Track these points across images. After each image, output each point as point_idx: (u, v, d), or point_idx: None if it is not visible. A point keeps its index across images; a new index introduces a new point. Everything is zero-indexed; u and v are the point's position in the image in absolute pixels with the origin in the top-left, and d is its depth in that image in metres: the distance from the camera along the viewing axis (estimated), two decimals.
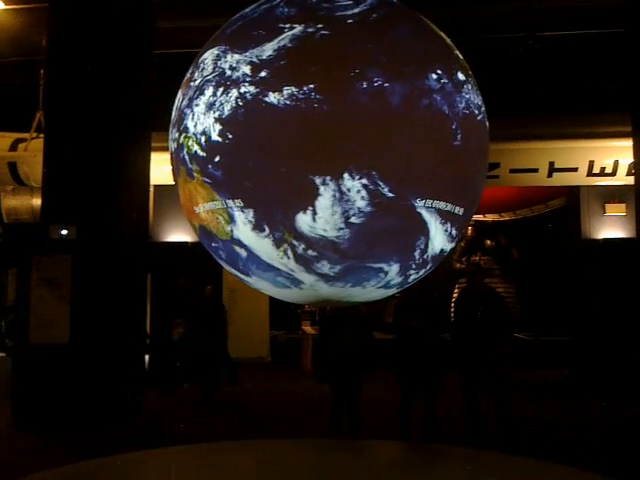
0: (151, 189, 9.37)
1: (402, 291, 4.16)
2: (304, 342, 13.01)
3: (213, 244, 3.70)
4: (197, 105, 3.46)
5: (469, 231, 13.13)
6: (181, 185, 3.69)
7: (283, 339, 13.92)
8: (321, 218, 3.22)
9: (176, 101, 3.85)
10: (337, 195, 3.17)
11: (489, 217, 14.18)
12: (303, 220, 3.24)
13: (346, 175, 3.15)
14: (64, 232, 7.60)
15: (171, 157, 3.92)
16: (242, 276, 3.78)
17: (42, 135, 8.75)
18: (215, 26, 4.13)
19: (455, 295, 13.68)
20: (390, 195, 3.23)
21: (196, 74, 3.61)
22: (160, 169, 8.88)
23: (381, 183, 3.20)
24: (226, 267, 3.90)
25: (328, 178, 3.15)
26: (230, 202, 3.34)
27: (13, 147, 10.18)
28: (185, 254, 10.97)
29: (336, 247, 3.33)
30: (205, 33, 4.32)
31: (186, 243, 11.20)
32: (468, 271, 7.99)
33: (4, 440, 7.28)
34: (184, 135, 3.53)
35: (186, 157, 3.51)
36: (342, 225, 3.25)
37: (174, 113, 3.84)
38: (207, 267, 9.26)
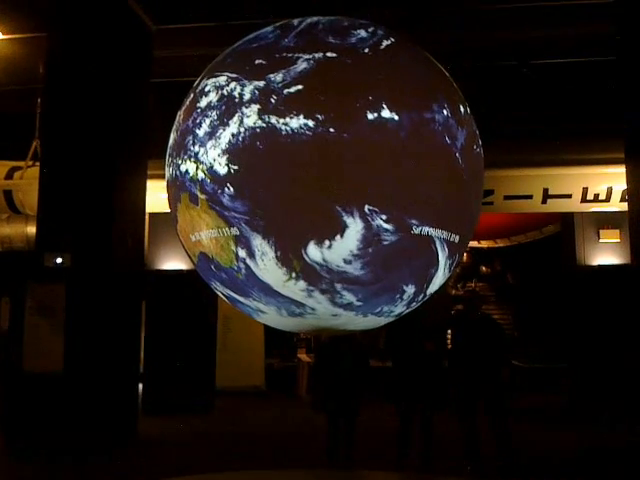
0: (146, 217, 9.36)
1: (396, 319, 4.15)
2: (300, 370, 12.93)
3: (214, 272, 3.66)
4: (202, 131, 3.44)
5: (464, 257, 13.16)
6: (182, 211, 3.65)
7: (278, 367, 13.82)
8: (339, 248, 3.22)
9: (176, 127, 3.83)
10: (356, 226, 3.17)
11: (484, 243, 14.23)
12: (319, 250, 3.23)
13: (364, 205, 3.16)
14: (59, 260, 7.58)
15: (167, 184, 3.91)
16: (243, 301, 3.73)
17: (38, 163, 8.76)
18: (211, 55, 4.17)
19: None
20: (401, 224, 3.25)
21: (199, 100, 3.60)
22: (155, 197, 8.89)
23: (392, 213, 3.23)
24: (223, 296, 3.86)
25: (345, 208, 3.15)
26: (240, 230, 3.30)
27: (9, 175, 10.18)
28: (180, 282, 10.93)
29: (353, 278, 3.33)
30: (201, 62, 4.36)
31: (181, 271, 11.17)
32: (465, 298, 7.98)
33: None
34: (188, 161, 3.50)
35: (190, 183, 3.48)
36: (361, 255, 3.25)
37: (172, 139, 3.83)
38: (202, 295, 9.30)
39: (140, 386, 9.52)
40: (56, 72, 8.18)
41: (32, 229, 11.01)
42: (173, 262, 11.35)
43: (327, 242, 3.21)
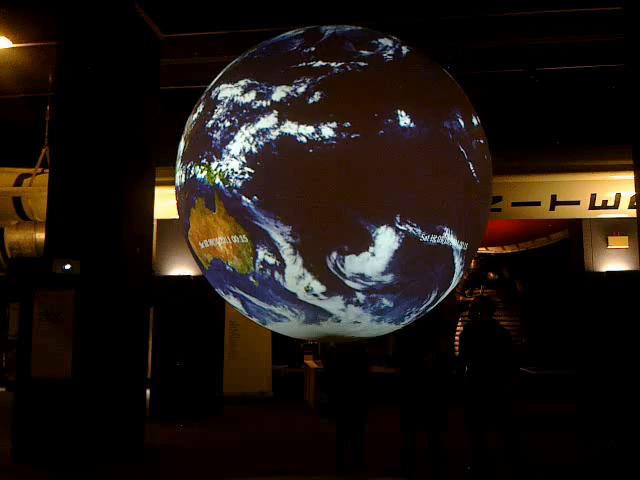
0: (154, 223, 9.38)
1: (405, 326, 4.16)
2: (307, 376, 12.91)
3: (228, 278, 3.64)
4: (220, 137, 3.41)
5: (472, 264, 13.11)
6: (196, 217, 3.61)
7: (285, 373, 13.81)
8: (365, 258, 3.22)
9: (188, 133, 3.81)
10: (383, 235, 3.18)
11: (492, 250, 14.19)
12: (345, 259, 3.22)
13: (390, 215, 3.16)
14: (67, 267, 7.61)
15: (178, 189, 3.89)
16: (258, 306, 3.70)
17: (47, 170, 8.80)
18: (219, 63, 4.18)
19: (459, 328, 13.67)
20: (421, 232, 3.27)
21: (215, 106, 3.56)
22: (163, 203, 8.93)
23: (414, 222, 3.24)
24: (237, 299, 3.84)
25: (370, 218, 3.15)
26: (261, 238, 3.26)
27: (18, 182, 10.25)
28: (188, 288, 10.96)
29: (379, 286, 3.33)
30: (210, 70, 4.38)
31: (188, 277, 11.20)
32: (474, 304, 7.93)
33: (4, 476, 7.21)
34: (205, 167, 3.46)
35: (207, 189, 3.44)
36: (388, 265, 3.25)
37: (184, 145, 3.82)
38: (210, 301, 9.32)
39: (147, 392, 9.52)
40: (65, 80, 8.22)
41: (41, 236, 11.08)
42: (181, 268, 11.38)
43: (353, 251, 3.20)
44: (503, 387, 6.68)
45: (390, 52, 3.55)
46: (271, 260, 3.30)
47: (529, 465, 6.72)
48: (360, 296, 3.37)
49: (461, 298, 14.11)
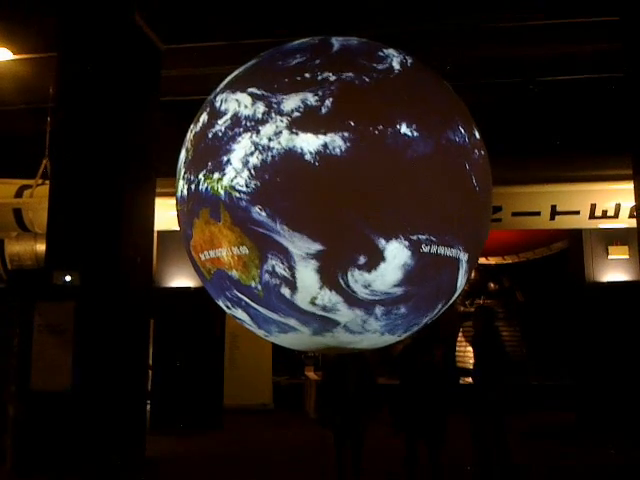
0: (154, 234, 9.37)
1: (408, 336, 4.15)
2: (307, 388, 12.88)
3: (232, 289, 3.60)
4: (226, 147, 3.37)
5: (472, 274, 13.08)
6: (200, 227, 3.54)
7: (286, 385, 13.77)
8: (373, 270, 3.21)
9: (191, 142, 3.78)
10: (390, 247, 3.17)
11: (492, 260, 14.18)
12: (352, 272, 3.21)
13: (402, 228, 3.16)
14: (68, 278, 7.59)
15: (180, 200, 3.86)
16: (264, 315, 3.66)
17: (47, 182, 8.80)
18: (220, 74, 4.18)
19: (459, 338, 13.66)
20: (431, 243, 3.28)
21: (219, 115, 3.53)
22: (163, 214, 8.92)
23: (424, 234, 3.25)
24: (238, 315, 3.81)
25: (380, 230, 3.14)
26: (269, 249, 3.22)
27: (19, 193, 10.25)
28: (188, 300, 10.94)
29: (387, 298, 3.32)
30: (210, 81, 4.38)
31: (189, 288, 11.18)
32: (474, 313, 7.95)
33: None
34: (210, 177, 3.41)
35: (212, 199, 3.39)
36: (397, 278, 3.24)
37: (187, 155, 3.78)
38: (210, 312, 9.31)
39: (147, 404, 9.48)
40: (66, 91, 8.24)
41: (41, 247, 11.06)
42: (181, 280, 11.37)
43: (362, 263, 3.19)
44: (487, 395, 6.65)
45: (396, 63, 3.56)
46: (279, 271, 3.27)
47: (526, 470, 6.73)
48: (368, 308, 3.36)
49: (462, 308, 14.10)
